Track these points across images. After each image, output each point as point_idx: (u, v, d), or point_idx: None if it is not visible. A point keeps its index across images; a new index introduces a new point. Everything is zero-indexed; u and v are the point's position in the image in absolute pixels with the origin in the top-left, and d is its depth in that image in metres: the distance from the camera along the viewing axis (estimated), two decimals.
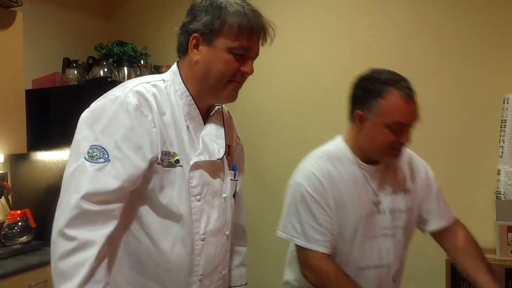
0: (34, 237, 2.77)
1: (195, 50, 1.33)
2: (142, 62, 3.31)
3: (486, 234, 2.45)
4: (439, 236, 1.73)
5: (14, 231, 2.70)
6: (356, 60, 2.87)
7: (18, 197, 3.01)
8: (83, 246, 1.16)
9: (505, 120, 2.46)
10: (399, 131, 1.50)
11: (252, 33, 1.32)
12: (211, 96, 1.38)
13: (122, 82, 3.06)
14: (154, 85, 1.33)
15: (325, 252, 1.53)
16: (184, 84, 1.36)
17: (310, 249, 1.54)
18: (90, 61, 3.10)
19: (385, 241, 1.60)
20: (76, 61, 3.15)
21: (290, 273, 1.76)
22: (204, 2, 1.33)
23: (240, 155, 1.59)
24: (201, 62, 1.33)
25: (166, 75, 1.39)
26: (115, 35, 3.55)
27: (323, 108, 3.00)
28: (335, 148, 1.63)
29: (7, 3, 2.58)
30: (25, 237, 2.71)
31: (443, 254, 2.39)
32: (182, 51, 1.38)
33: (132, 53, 3.27)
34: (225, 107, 1.55)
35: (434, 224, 1.70)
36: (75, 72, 3.09)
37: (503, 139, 2.47)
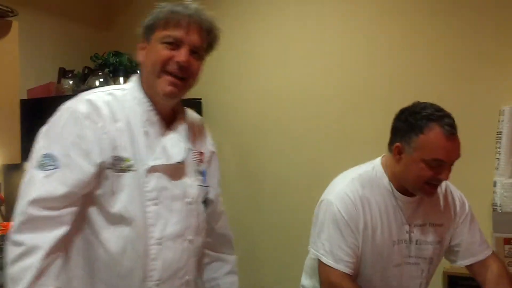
0: None
1: (141, 51, 1.42)
2: (138, 72, 3.29)
3: None
4: (471, 268, 1.71)
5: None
6: (352, 69, 2.89)
7: (11, 207, 2.98)
8: (29, 251, 1.19)
9: (501, 132, 2.47)
10: (437, 167, 1.49)
11: (179, 20, 1.36)
12: (152, 92, 1.40)
13: None
14: (109, 94, 1.39)
15: (348, 273, 1.55)
16: (144, 91, 1.41)
17: (333, 268, 1.55)
18: (86, 71, 3.10)
19: (407, 268, 1.62)
20: (71, 71, 3.14)
21: (307, 280, 1.78)
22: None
23: (213, 163, 1.60)
24: (144, 59, 1.41)
25: (126, 85, 1.46)
26: (111, 45, 3.54)
27: (320, 112, 3.00)
28: (372, 173, 1.64)
29: (3, 13, 2.57)
30: None
31: (441, 266, 2.39)
32: (137, 56, 1.46)
33: (128, 63, 3.26)
34: (197, 116, 1.60)
35: (466, 259, 1.69)
36: (71, 82, 3.08)
37: (499, 151, 2.47)
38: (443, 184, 1.68)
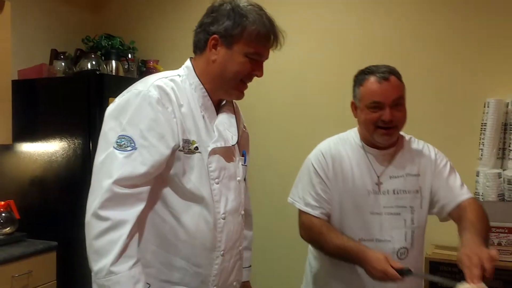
0: (18, 228, 2.76)
1: (214, 50, 1.46)
2: (130, 55, 3.31)
3: None
4: (453, 214, 1.73)
5: None
6: (345, 61, 2.92)
7: (2, 188, 3.00)
8: (116, 225, 1.29)
9: (485, 123, 2.53)
10: (379, 110, 1.66)
11: (268, 41, 1.46)
12: (223, 93, 1.52)
13: (110, 75, 3.11)
14: (171, 80, 1.45)
15: (318, 216, 1.74)
16: (199, 78, 1.48)
17: (305, 212, 1.76)
18: (78, 53, 3.09)
19: (388, 218, 1.72)
20: (63, 53, 3.14)
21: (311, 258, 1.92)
22: (225, 6, 1.45)
23: (246, 142, 1.73)
24: (218, 62, 1.46)
25: (180, 71, 1.52)
26: (103, 28, 3.55)
27: (314, 107, 3.06)
28: (348, 134, 1.85)
29: None
30: (8, 228, 2.70)
31: (424, 251, 2.47)
32: (200, 48, 1.50)
33: (120, 46, 3.27)
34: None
35: (448, 205, 1.73)
36: (63, 64, 3.08)
37: (482, 142, 2.54)
38: (420, 143, 1.83)
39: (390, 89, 1.66)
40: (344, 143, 1.81)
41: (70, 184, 2.82)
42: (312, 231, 1.74)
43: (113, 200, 1.29)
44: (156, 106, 1.37)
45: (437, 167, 1.78)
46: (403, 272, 1.53)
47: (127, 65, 3.19)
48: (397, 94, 1.67)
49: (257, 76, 1.50)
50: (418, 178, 1.76)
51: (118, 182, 1.30)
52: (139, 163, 1.32)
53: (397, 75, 1.70)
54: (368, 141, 1.76)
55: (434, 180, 1.77)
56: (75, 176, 2.80)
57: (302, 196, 1.78)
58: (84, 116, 2.79)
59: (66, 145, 2.84)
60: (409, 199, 1.74)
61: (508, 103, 2.53)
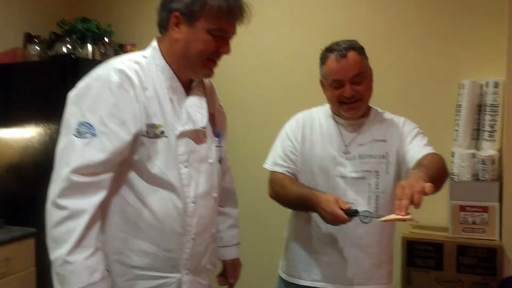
0: None
1: (176, 28, 1.41)
2: (106, 39, 3.25)
3: (439, 213, 2.58)
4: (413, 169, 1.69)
5: None
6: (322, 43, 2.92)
7: None
8: (74, 214, 1.27)
9: (461, 105, 2.57)
10: (341, 87, 1.73)
11: (230, 15, 1.41)
12: (190, 72, 1.48)
13: (86, 59, 3.06)
14: (135, 62, 1.41)
15: (282, 172, 1.83)
16: (165, 59, 1.44)
17: (271, 170, 1.86)
18: (53, 37, 3.03)
19: (353, 181, 1.78)
20: (37, 37, 3.08)
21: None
22: None
23: (222, 122, 1.70)
24: (181, 41, 1.41)
25: (146, 52, 1.47)
26: (78, 11, 3.47)
27: (294, 88, 3.06)
28: (323, 106, 1.92)
29: None
30: None
31: (400, 231, 2.52)
32: (163, 27, 1.46)
33: (96, 30, 3.21)
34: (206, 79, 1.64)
35: (408, 164, 1.71)
36: (37, 48, 3.02)
37: (458, 123, 2.58)
38: (390, 115, 1.88)
39: (347, 66, 1.70)
40: (319, 110, 1.91)
41: (47, 170, 2.70)
42: (276, 185, 1.83)
43: (71, 189, 1.27)
44: (117, 91, 1.33)
45: (404, 132, 1.81)
46: (350, 213, 1.59)
47: (103, 49, 3.14)
48: (356, 70, 1.70)
49: (224, 53, 1.46)
50: (384, 144, 1.80)
51: (76, 170, 1.27)
52: (98, 150, 1.30)
53: (357, 50, 1.73)
54: (336, 114, 1.84)
55: (401, 145, 1.78)
56: (52, 162, 2.75)
57: (273, 159, 1.88)
58: (60, 101, 2.66)
59: (43, 131, 2.80)
60: (374, 164, 1.78)
61: (482, 84, 2.56)
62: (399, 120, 1.86)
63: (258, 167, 2.98)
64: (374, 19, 2.86)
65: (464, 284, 2.40)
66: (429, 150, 1.71)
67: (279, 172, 1.83)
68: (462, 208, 2.49)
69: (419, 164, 1.61)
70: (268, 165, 1.89)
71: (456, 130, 2.58)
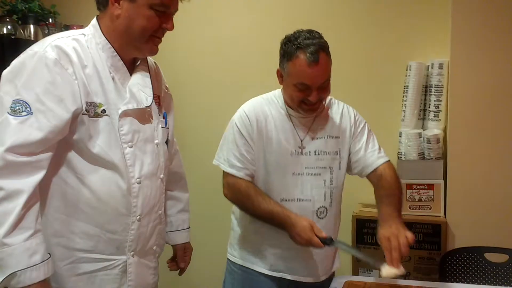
0: None
1: (116, 4, 1.37)
2: (50, 20, 3.12)
3: None
4: (370, 177, 1.83)
5: None
6: (270, 26, 2.92)
7: None
8: (10, 195, 1.22)
9: (407, 86, 2.63)
10: (306, 90, 1.66)
11: None
12: (133, 50, 1.44)
13: (28, 40, 2.92)
14: (74, 39, 1.37)
15: (242, 178, 1.74)
16: (105, 37, 1.40)
17: (228, 173, 1.76)
18: None
19: (309, 178, 1.77)
20: None
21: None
22: None
23: (169, 104, 1.67)
24: (123, 17, 1.37)
25: (86, 30, 1.44)
26: None
27: (241, 71, 3.05)
28: (272, 96, 1.83)
29: None
30: None
31: (350, 210, 2.58)
32: (102, 4, 1.41)
33: (39, 10, 3.07)
34: (151, 58, 1.60)
35: (366, 168, 1.82)
36: None
37: (405, 104, 2.64)
38: (340, 103, 1.88)
39: (319, 73, 1.64)
40: (269, 103, 1.80)
41: None
42: (239, 193, 1.74)
43: (6, 169, 1.22)
44: (54, 68, 1.29)
45: (356, 130, 1.85)
46: (326, 242, 1.62)
47: (47, 30, 3.01)
48: (326, 77, 1.67)
49: (168, 30, 1.43)
50: (338, 140, 1.82)
51: (11, 149, 1.23)
52: (35, 129, 1.26)
53: (326, 51, 1.67)
54: (291, 107, 1.77)
55: (353, 143, 1.85)
56: None
57: (227, 158, 1.77)
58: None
59: None
60: (328, 160, 1.80)
61: (428, 66, 2.63)
62: (350, 114, 1.87)
63: (207, 152, 2.97)
64: (320, 2, 2.88)
65: (411, 259, 2.49)
66: (383, 156, 1.83)
67: (239, 178, 1.74)
68: (409, 186, 2.57)
69: (382, 187, 1.76)
70: (223, 165, 1.78)
71: (403, 110, 2.65)
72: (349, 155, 1.85)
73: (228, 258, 1.94)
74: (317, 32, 1.70)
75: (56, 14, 3.22)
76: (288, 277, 1.82)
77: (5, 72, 1.32)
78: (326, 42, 1.68)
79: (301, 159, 1.77)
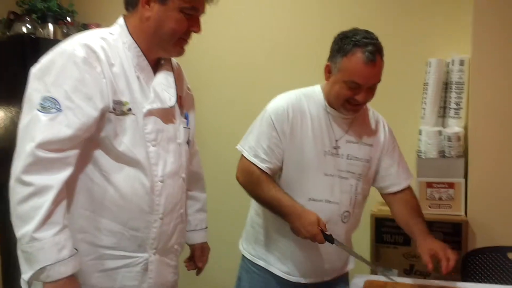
0: None
1: (147, 6, 1.39)
2: (69, 19, 3.15)
3: None
4: (390, 196, 1.88)
5: None
6: (296, 27, 2.91)
7: None
8: (40, 190, 1.24)
9: (427, 83, 2.59)
10: (355, 89, 1.64)
11: None
12: (161, 51, 1.46)
13: (47, 39, 2.95)
14: (102, 38, 1.38)
15: (264, 170, 1.71)
16: (132, 37, 1.41)
17: (250, 161, 1.73)
18: (12, 16, 2.91)
19: (339, 181, 1.76)
20: None
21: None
22: None
23: (190, 104, 1.68)
24: (153, 19, 1.39)
25: (113, 29, 1.45)
26: None
27: (265, 72, 3.04)
28: (311, 90, 1.80)
29: None
30: None
31: (369, 209, 2.55)
32: (131, 5, 1.43)
33: (57, 9, 3.10)
34: (174, 59, 1.61)
35: (392, 188, 1.86)
36: None
37: (425, 101, 2.61)
38: (377, 114, 1.88)
39: (374, 73, 1.63)
40: (308, 98, 1.76)
41: (9, 155, 2.69)
42: (251, 177, 1.73)
43: (36, 165, 1.24)
44: (83, 66, 1.30)
45: (390, 145, 1.86)
46: (328, 239, 1.63)
47: (66, 29, 3.03)
48: (378, 79, 1.66)
49: (195, 32, 1.45)
50: (370, 149, 1.82)
51: (41, 145, 1.24)
52: (64, 125, 1.27)
53: (382, 53, 1.66)
54: (331, 104, 1.74)
55: (384, 157, 1.85)
56: (14, 145, 2.67)
57: (253, 146, 1.74)
58: (21, 83, 2.60)
59: (3, 114, 2.71)
60: (359, 167, 1.79)
61: (448, 62, 2.59)
62: (384, 125, 1.88)
63: (227, 150, 2.97)
64: (343, 2, 2.85)
65: None
66: (409, 180, 1.88)
67: (258, 168, 1.72)
68: (429, 185, 2.54)
69: (413, 205, 1.84)
70: (247, 152, 1.74)
71: (423, 108, 2.61)
72: (377, 167, 1.85)
73: (244, 256, 1.93)
74: (374, 34, 1.68)
75: (74, 12, 3.25)
76: (303, 281, 1.82)
77: (33, 69, 1.34)
78: (381, 45, 1.66)
79: (334, 160, 1.75)
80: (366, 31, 1.67)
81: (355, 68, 1.61)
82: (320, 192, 1.74)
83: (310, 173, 1.73)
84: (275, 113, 1.72)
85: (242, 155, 1.77)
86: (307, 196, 1.74)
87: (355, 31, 1.66)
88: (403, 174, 1.87)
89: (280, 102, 1.75)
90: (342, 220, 1.78)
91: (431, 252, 1.62)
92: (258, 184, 1.72)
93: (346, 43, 1.63)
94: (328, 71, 1.71)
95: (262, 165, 1.72)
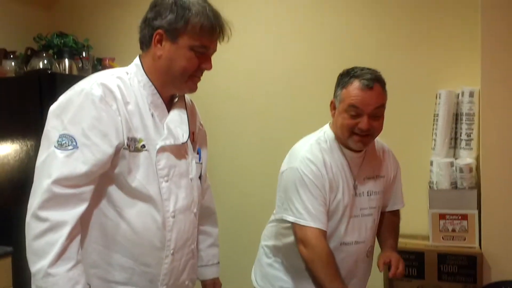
0: None
1: (159, 45, 1.43)
2: (84, 54, 3.23)
3: (420, 222, 2.60)
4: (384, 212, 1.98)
5: None
6: (306, 60, 2.95)
7: None
8: (55, 226, 1.26)
9: (438, 114, 2.60)
10: (356, 116, 1.66)
11: (212, 33, 1.44)
12: (173, 88, 1.50)
13: (63, 74, 3.03)
14: (118, 77, 1.43)
15: (323, 229, 1.69)
16: (147, 76, 1.46)
17: (309, 227, 1.67)
18: (29, 52, 3.00)
19: (364, 220, 1.79)
20: (13, 52, 3.04)
21: (270, 240, 1.92)
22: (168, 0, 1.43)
23: (203, 140, 1.71)
24: (164, 57, 1.43)
25: (129, 68, 1.49)
26: (55, 26, 3.45)
27: (277, 106, 3.07)
28: (324, 135, 1.80)
29: None
30: None
31: None
32: (146, 44, 1.47)
33: (73, 45, 3.19)
34: (188, 96, 1.65)
35: (390, 206, 1.97)
36: (13, 63, 2.98)
37: (435, 132, 2.61)
38: (381, 142, 1.92)
39: (372, 98, 1.65)
40: (324, 146, 1.76)
41: (24, 187, 2.69)
42: (320, 257, 1.66)
43: (52, 201, 1.27)
44: (99, 104, 1.34)
45: (396, 173, 1.93)
46: None
47: (81, 64, 3.11)
48: (378, 104, 1.67)
49: (206, 69, 1.48)
50: (383, 179, 1.86)
51: (57, 182, 1.27)
52: (80, 162, 1.30)
53: (382, 83, 1.69)
54: (342, 142, 1.76)
55: (389, 183, 1.91)
56: (28, 179, 2.68)
57: (305, 211, 1.68)
58: (37, 117, 2.70)
59: (19, 147, 2.76)
60: (377, 200, 1.84)
61: (458, 94, 2.60)
62: (390, 156, 1.93)
63: (238, 181, 2.98)
64: (351, 32, 2.89)
65: None
66: (402, 205, 2.00)
67: (322, 235, 1.66)
68: (442, 216, 2.51)
69: (392, 222, 1.97)
70: (308, 221, 1.67)
71: (434, 139, 2.61)
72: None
73: None
74: (376, 70, 1.73)
75: (89, 47, 3.33)
76: None
77: (52, 107, 1.38)
78: (383, 78, 1.71)
79: (356, 201, 1.77)
80: (368, 68, 1.72)
81: (352, 94, 1.66)
82: (349, 235, 1.77)
83: (340, 218, 1.75)
84: (310, 171, 1.70)
85: (297, 225, 1.70)
86: (338, 241, 1.76)
87: (355, 67, 1.72)
88: (399, 198, 1.97)
89: (307, 158, 1.72)
90: (367, 255, 1.82)
91: (387, 260, 1.78)
92: (327, 267, 1.66)
93: (345, 77, 1.71)
94: (333, 107, 1.76)
95: (324, 226, 1.69)
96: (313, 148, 1.75)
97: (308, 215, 1.68)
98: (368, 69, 1.71)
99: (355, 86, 1.65)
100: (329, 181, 1.72)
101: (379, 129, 1.72)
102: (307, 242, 1.68)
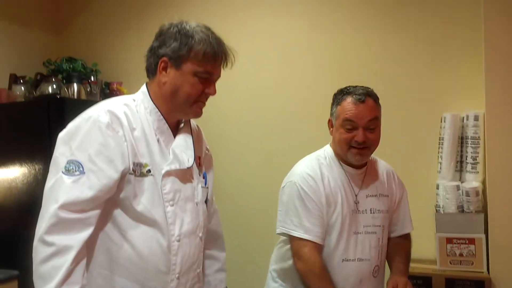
0: None
1: (164, 72, 1.48)
2: (92, 78, 3.27)
3: (427, 246, 2.58)
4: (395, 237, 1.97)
5: None
6: (302, 75, 2.97)
7: None
8: (61, 250, 1.28)
9: (443, 137, 2.60)
10: (352, 130, 1.73)
11: (215, 59, 1.48)
12: (179, 113, 1.53)
13: (71, 99, 3.07)
14: (125, 104, 1.47)
15: (318, 243, 1.73)
16: (153, 102, 1.50)
17: (304, 239, 1.72)
18: (38, 77, 3.04)
19: (367, 237, 1.80)
20: (23, 77, 3.09)
21: (278, 264, 1.94)
22: (172, 28, 1.48)
23: (209, 164, 1.74)
24: (169, 84, 1.48)
25: (136, 95, 1.54)
26: (64, 51, 3.51)
27: (281, 126, 3.09)
28: (324, 153, 1.88)
29: None
30: None
31: None
32: (151, 72, 1.52)
33: (82, 69, 3.23)
34: (194, 121, 1.68)
35: (399, 231, 1.95)
36: (22, 88, 3.03)
37: (441, 156, 2.61)
38: (386, 165, 1.95)
39: (365, 110, 1.73)
40: (323, 162, 1.83)
41: (31, 211, 2.71)
42: (314, 270, 1.71)
43: (58, 225, 1.29)
44: (106, 131, 1.38)
45: (402, 194, 1.94)
46: None
47: (89, 88, 3.15)
48: (371, 116, 1.74)
49: (210, 95, 1.52)
50: (387, 199, 1.87)
51: (64, 207, 1.30)
52: (86, 187, 1.33)
53: (374, 97, 1.78)
54: (342, 159, 1.82)
55: (395, 204, 1.91)
56: (36, 203, 2.70)
57: (300, 223, 1.74)
58: (45, 141, 2.74)
59: (27, 171, 2.78)
60: (382, 218, 1.84)
61: (463, 117, 2.61)
62: (394, 175, 1.95)
63: (244, 204, 2.98)
64: (354, 55, 2.92)
65: None
66: (411, 228, 1.98)
67: (316, 243, 1.72)
68: (449, 240, 2.50)
69: (405, 247, 1.94)
70: (298, 232, 1.73)
71: (440, 162, 2.61)
72: (391, 215, 1.91)
73: None
74: (369, 87, 1.81)
75: (97, 72, 3.38)
76: None
77: (61, 134, 1.42)
78: (375, 93, 1.80)
79: (359, 218, 1.79)
80: (360, 85, 1.80)
81: (347, 109, 1.73)
82: (351, 252, 1.78)
83: (340, 234, 1.77)
84: (307, 185, 1.77)
85: (294, 238, 1.76)
86: (340, 257, 1.77)
87: (348, 86, 1.80)
88: (408, 221, 1.96)
89: (304, 173, 1.79)
90: (373, 275, 1.81)
91: (395, 284, 1.76)
92: (320, 280, 1.70)
93: (338, 95, 1.79)
94: (331, 125, 1.83)
95: (319, 240, 1.73)
96: (312, 164, 1.83)
97: (302, 228, 1.73)
98: (360, 86, 1.79)
99: (348, 101, 1.74)
100: (326, 196, 1.76)
101: (376, 141, 1.78)
102: (300, 254, 1.73)
